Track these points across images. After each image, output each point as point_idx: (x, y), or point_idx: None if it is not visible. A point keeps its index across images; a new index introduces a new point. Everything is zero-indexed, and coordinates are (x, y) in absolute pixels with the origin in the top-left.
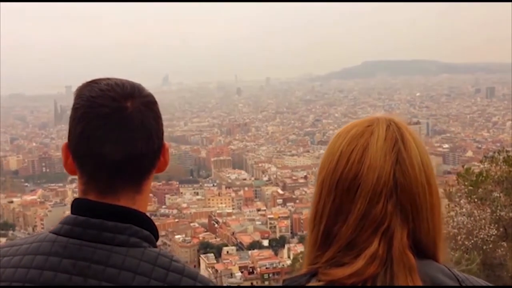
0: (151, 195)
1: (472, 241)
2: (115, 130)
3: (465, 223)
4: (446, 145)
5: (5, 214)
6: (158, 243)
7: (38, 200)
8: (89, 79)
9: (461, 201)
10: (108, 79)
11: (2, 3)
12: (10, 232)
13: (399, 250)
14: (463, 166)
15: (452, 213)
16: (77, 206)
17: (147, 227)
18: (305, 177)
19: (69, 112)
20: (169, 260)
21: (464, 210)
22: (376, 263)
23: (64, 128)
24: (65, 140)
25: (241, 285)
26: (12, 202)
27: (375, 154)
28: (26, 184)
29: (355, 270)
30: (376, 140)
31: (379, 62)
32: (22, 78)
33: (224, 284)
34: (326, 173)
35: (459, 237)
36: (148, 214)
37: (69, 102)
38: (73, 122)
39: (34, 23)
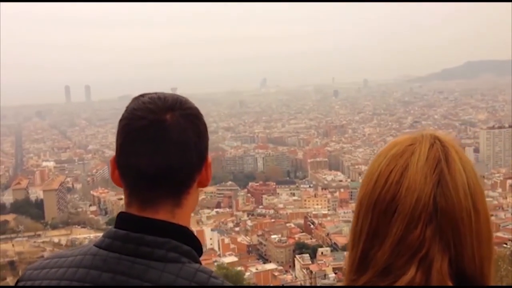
0: (249, 195)
1: None
2: (151, 143)
3: None
4: None
5: (115, 210)
6: (254, 242)
7: None
8: (190, 82)
9: None
10: (155, 93)
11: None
12: None
13: (438, 280)
14: None
15: None
16: (120, 219)
17: (187, 242)
18: None
19: None
20: (207, 276)
21: None
22: None
23: None
24: None
25: (335, 285)
26: (121, 199)
27: (415, 175)
28: None
29: None
30: (417, 160)
31: (483, 62)
32: (130, 80)
33: (318, 285)
34: (364, 193)
35: None
36: (191, 229)
37: None
38: (116, 134)
39: (141, 31)
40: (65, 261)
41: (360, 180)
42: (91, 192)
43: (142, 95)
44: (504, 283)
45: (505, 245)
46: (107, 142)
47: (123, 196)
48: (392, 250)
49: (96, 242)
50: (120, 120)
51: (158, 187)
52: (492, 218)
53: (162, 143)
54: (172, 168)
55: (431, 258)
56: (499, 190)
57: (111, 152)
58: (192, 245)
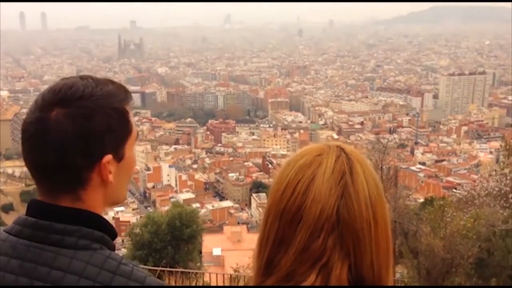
0: (208, 132)
1: None
2: (31, 140)
3: None
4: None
5: None
6: (211, 179)
7: None
8: (151, 16)
9: None
10: (69, 78)
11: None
12: None
13: (336, 285)
14: None
15: (506, 170)
16: (31, 206)
17: (99, 228)
18: (362, 123)
19: (132, 47)
20: (117, 263)
21: None
22: None
23: (127, 63)
24: (129, 75)
25: None
26: None
27: (321, 187)
28: None
29: None
30: (323, 172)
31: (449, 7)
32: (89, 12)
33: None
34: (272, 201)
35: (510, 196)
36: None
37: (133, 37)
38: None
39: None
40: None
41: (320, 122)
42: None
43: (56, 82)
44: (448, 228)
45: (454, 190)
46: (63, 73)
47: None
48: (295, 258)
49: (6, 228)
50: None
51: (50, 182)
52: (445, 163)
53: (40, 143)
54: (48, 168)
55: (331, 266)
56: (454, 136)
57: None
58: (105, 230)
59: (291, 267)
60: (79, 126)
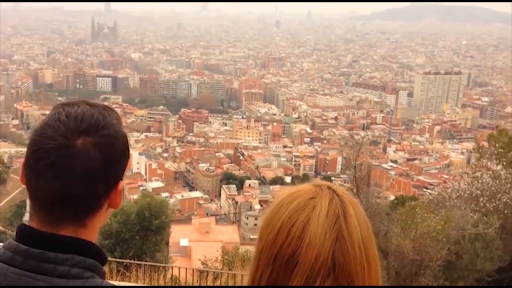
0: (180, 121)
1: (494, 204)
2: (52, 168)
3: (489, 185)
4: (485, 98)
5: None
6: (182, 169)
7: None
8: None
9: (489, 163)
10: (79, 106)
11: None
12: None
13: None
14: (496, 127)
15: (478, 174)
16: (21, 232)
17: (91, 255)
18: (336, 118)
19: (106, 31)
20: None
21: (490, 172)
22: None
23: (100, 46)
24: (101, 59)
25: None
26: (44, 114)
27: (316, 231)
28: (60, 98)
29: None
30: (318, 216)
31: (428, 6)
32: None
33: (243, 216)
34: (265, 243)
35: (481, 199)
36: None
37: (107, 20)
38: (28, 142)
39: None
40: None
41: (294, 116)
42: (15, 105)
43: (65, 106)
44: (418, 230)
45: (425, 189)
46: (33, 53)
47: (47, 112)
48: None
49: None
50: (35, 131)
51: (58, 211)
52: (416, 162)
53: (63, 171)
54: (70, 196)
55: None
56: (427, 135)
57: (36, 65)
58: (96, 257)
59: None
60: (105, 154)
